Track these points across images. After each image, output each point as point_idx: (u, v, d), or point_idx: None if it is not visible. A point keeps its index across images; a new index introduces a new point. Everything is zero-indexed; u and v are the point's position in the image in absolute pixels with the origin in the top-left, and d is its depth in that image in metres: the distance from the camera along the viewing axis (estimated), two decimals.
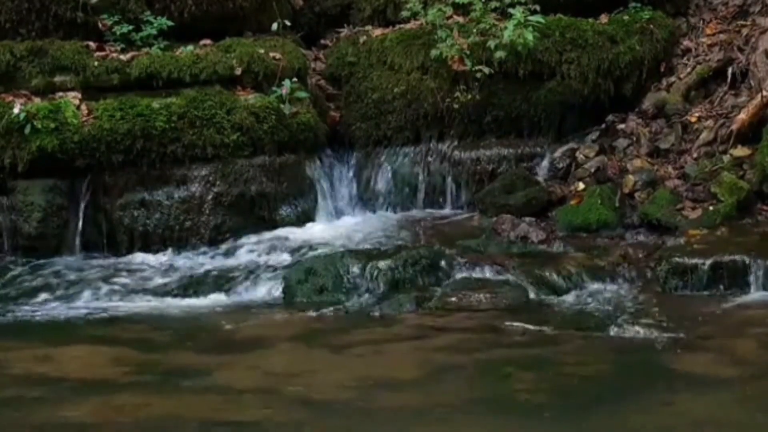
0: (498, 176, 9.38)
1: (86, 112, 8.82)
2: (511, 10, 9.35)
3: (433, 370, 6.61)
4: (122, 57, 9.17)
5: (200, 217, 8.87)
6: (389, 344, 7.13)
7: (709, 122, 9.43)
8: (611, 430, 5.80)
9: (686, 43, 10.04)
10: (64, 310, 7.89)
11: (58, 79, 9.07)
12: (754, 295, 7.78)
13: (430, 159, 9.57)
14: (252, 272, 8.33)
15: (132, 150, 8.81)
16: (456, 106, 9.48)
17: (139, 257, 8.71)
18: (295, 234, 8.86)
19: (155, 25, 9.37)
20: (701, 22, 10.20)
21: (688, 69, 9.84)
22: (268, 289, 8.14)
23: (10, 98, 8.86)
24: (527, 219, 8.85)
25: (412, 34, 9.76)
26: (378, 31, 10.01)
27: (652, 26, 9.83)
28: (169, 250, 8.78)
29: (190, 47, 9.32)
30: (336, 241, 8.67)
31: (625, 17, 9.88)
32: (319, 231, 8.97)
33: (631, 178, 9.10)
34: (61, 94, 8.96)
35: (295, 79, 9.26)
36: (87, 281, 8.29)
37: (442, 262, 8.13)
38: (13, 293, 8.16)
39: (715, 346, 6.91)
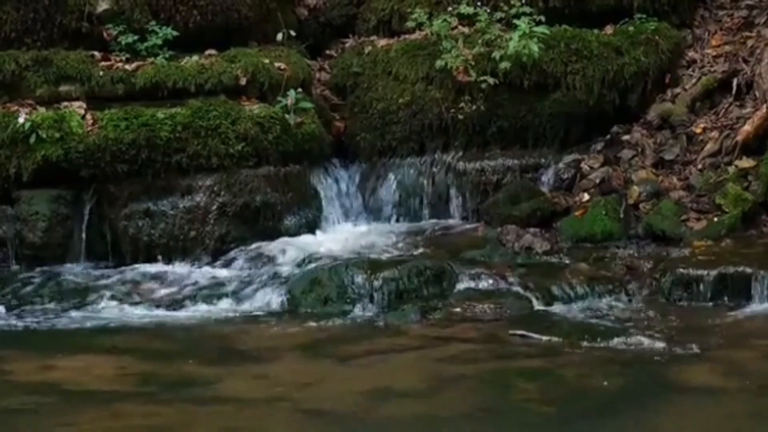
0: (503, 187, 9.36)
1: (91, 121, 8.83)
2: (516, 21, 9.36)
3: (437, 380, 6.61)
4: (127, 67, 9.18)
5: (205, 227, 8.86)
6: (394, 354, 7.13)
7: (714, 133, 9.42)
8: None
9: (691, 54, 10.04)
10: (67, 319, 7.90)
11: (63, 88, 9.08)
12: (758, 306, 7.77)
13: (434, 169, 9.56)
14: (256, 282, 8.32)
15: (137, 160, 8.81)
16: (461, 116, 9.48)
17: (143, 267, 8.70)
18: (299, 244, 8.84)
19: (160, 35, 9.38)
20: (706, 33, 10.20)
21: (693, 80, 9.84)
22: (272, 299, 8.14)
23: (15, 108, 8.87)
24: (532, 230, 8.84)
25: (417, 44, 9.77)
26: (383, 42, 10.01)
27: (657, 37, 9.82)
28: (174, 259, 8.78)
29: (195, 57, 9.32)
30: (341, 252, 8.66)
31: (631, 28, 9.87)
32: (324, 241, 8.96)
33: (635, 189, 9.09)
34: (66, 103, 8.98)
35: (299, 90, 9.27)
36: (91, 291, 8.29)
37: (447, 273, 8.12)
38: (17, 302, 8.16)
39: (719, 358, 6.89)
